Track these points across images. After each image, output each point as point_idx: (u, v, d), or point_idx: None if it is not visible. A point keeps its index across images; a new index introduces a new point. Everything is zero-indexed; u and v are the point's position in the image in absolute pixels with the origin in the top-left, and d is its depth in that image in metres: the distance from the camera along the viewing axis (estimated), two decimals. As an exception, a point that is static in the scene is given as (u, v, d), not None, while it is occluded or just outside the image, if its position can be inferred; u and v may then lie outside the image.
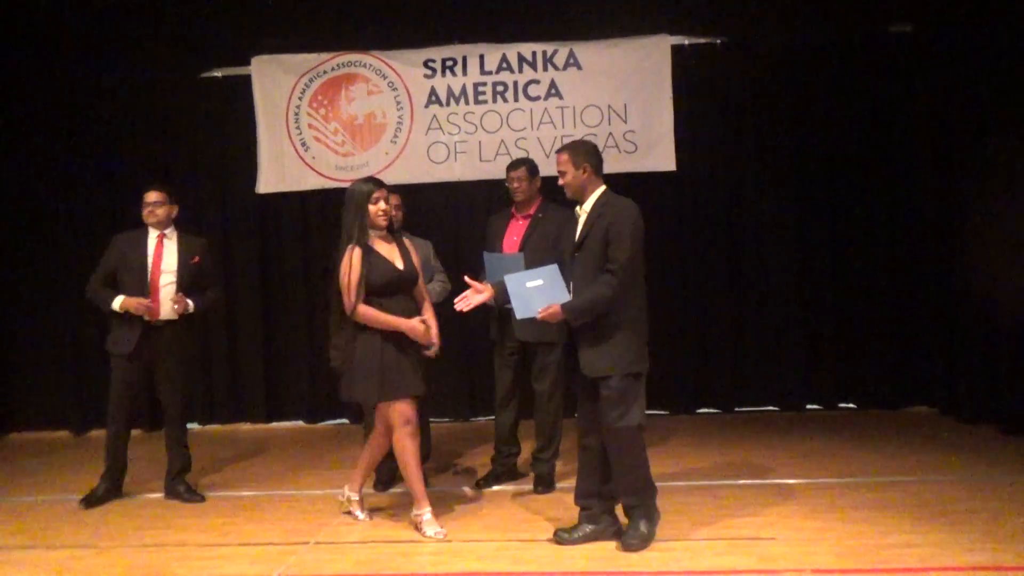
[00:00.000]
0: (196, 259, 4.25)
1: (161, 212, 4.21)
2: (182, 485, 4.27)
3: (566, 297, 3.24)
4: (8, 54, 6.13)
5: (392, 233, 3.68)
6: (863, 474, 4.21)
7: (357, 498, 3.83)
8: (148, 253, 4.17)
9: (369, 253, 3.51)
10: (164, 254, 4.19)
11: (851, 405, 6.01)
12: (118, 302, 4.07)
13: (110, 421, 4.26)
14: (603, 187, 3.36)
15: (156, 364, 4.20)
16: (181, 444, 4.31)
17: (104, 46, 6.12)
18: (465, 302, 3.40)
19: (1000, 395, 5.10)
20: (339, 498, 3.88)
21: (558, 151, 3.44)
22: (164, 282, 4.16)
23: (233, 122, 6.23)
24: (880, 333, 5.91)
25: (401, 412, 3.51)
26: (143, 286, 4.12)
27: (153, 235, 4.21)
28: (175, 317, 4.15)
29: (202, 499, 4.23)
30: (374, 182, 3.61)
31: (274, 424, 6.34)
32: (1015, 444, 4.69)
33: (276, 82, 6.19)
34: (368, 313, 3.47)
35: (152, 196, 4.22)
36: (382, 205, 3.54)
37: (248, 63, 6.18)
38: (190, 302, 4.17)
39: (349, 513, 3.81)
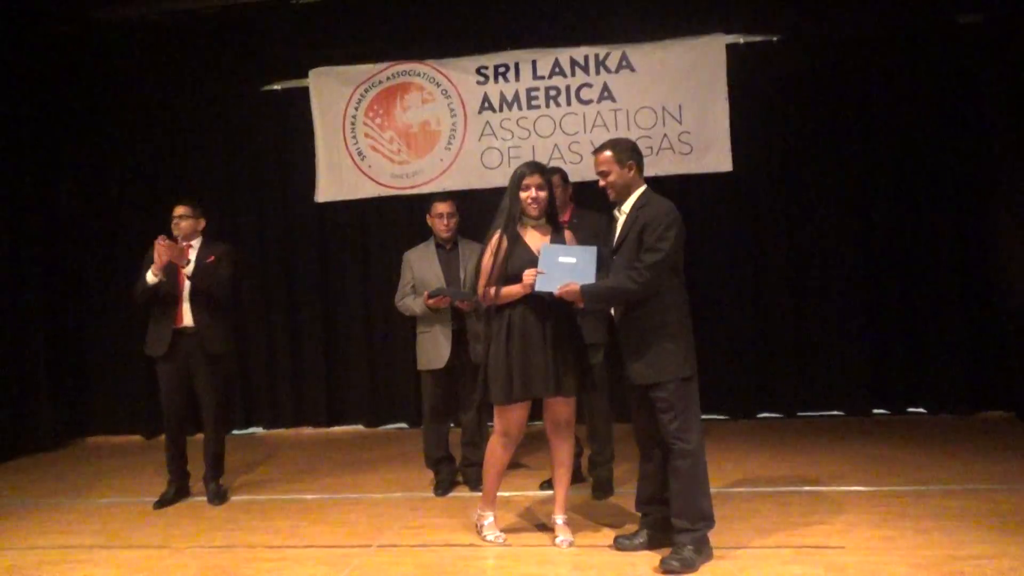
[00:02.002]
0: (212, 258, 4.35)
1: (185, 225, 4.36)
2: (212, 485, 4.41)
3: (591, 281, 3.19)
4: (76, 73, 6.40)
5: (554, 223, 3.46)
6: (935, 482, 4.06)
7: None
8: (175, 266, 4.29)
9: (516, 241, 3.35)
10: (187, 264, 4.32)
11: (921, 410, 5.81)
12: (149, 276, 4.20)
13: (165, 427, 4.44)
14: (644, 187, 3.29)
15: (191, 367, 4.34)
16: (213, 449, 4.42)
17: (169, 63, 6.35)
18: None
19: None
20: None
21: (597, 150, 3.31)
22: (187, 288, 4.30)
23: (293, 133, 6.39)
24: (951, 334, 5.70)
25: (503, 417, 3.39)
26: (173, 293, 4.27)
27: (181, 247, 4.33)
28: (191, 324, 4.27)
29: (223, 501, 4.34)
30: (529, 166, 3.41)
31: (335, 428, 6.46)
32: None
33: (333, 93, 6.33)
34: (489, 293, 3.31)
35: (179, 210, 4.39)
36: (532, 192, 3.33)
37: (306, 75, 6.33)
38: (190, 259, 4.25)
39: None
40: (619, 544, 3.32)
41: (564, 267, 3.21)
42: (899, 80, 5.76)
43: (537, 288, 3.22)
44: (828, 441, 5.11)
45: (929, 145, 5.73)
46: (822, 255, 5.90)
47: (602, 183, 3.29)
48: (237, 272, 4.49)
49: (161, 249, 4.15)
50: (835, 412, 5.89)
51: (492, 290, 3.31)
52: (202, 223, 4.46)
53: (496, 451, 3.46)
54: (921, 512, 3.59)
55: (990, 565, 2.94)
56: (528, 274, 3.24)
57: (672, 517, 3.13)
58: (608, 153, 3.26)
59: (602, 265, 3.26)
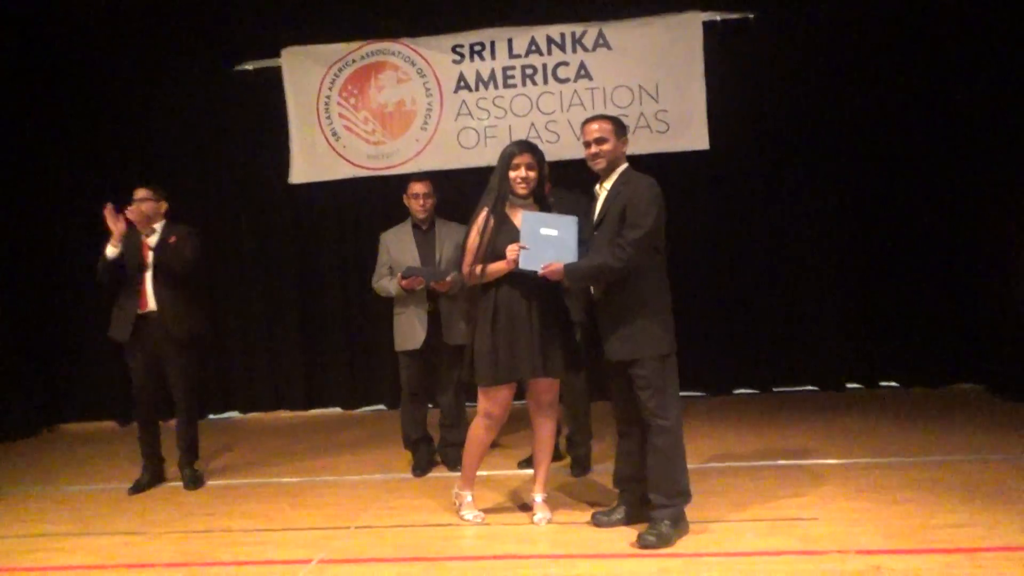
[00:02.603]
0: (172, 239, 4.26)
1: (147, 208, 4.25)
2: (187, 471, 4.37)
3: (573, 257, 3.18)
4: (42, 51, 6.24)
5: (542, 203, 3.41)
6: (908, 454, 4.12)
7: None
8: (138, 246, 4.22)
9: (503, 221, 3.30)
10: (148, 250, 4.24)
11: (893, 383, 5.90)
12: (109, 249, 4.12)
13: (137, 413, 4.39)
14: (627, 164, 3.28)
15: (159, 352, 4.27)
16: (186, 434, 4.37)
17: (137, 42, 6.21)
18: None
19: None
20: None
21: (593, 118, 3.29)
22: (149, 274, 4.22)
23: (265, 114, 6.29)
24: (922, 309, 5.78)
25: (487, 398, 3.35)
26: (135, 278, 4.20)
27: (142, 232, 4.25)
28: (154, 308, 4.19)
29: (198, 486, 4.31)
30: (519, 145, 3.37)
31: (313, 411, 6.43)
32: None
33: (306, 73, 6.23)
34: (475, 270, 3.27)
35: (139, 192, 4.29)
36: (522, 172, 3.30)
37: (278, 55, 6.23)
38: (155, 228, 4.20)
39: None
40: (597, 520, 3.33)
41: (546, 241, 3.19)
42: (875, 57, 5.78)
43: (521, 266, 3.19)
44: (803, 416, 5.17)
45: (905, 122, 5.76)
46: (797, 233, 5.94)
47: (594, 150, 3.22)
48: (201, 251, 4.38)
49: (109, 215, 4.06)
50: (810, 387, 5.97)
51: (478, 268, 3.27)
52: (164, 206, 4.35)
53: (479, 432, 3.43)
54: (894, 483, 3.64)
55: (961, 534, 2.99)
56: (511, 249, 3.21)
57: (649, 493, 3.14)
58: (608, 124, 3.24)
59: (582, 239, 3.24)
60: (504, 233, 3.28)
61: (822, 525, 3.17)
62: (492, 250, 3.27)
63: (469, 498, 3.55)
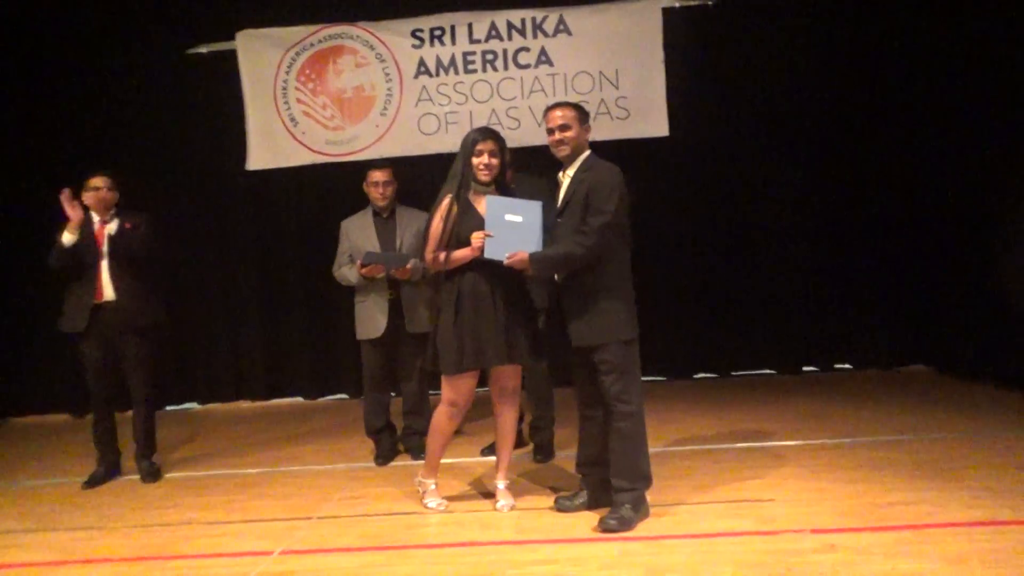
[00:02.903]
0: (130, 225, 4.15)
1: (109, 197, 4.15)
2: (144, 463, 4.29)
3: (537, 245, 3.18)
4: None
5: (504, 190, 3.39)
6: (861, 434, 4.24)
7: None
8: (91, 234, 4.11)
9: (467, 209, 3.28)
10: (104, 238, 4.13)
11: (847, 366, 6.05)
12: (65, 236, 4.02)
13: (92, 405, 4.29)
14: (590, 151, 3.29)
15: (117, 343, 4.17)
16: (143, 426, 4.29)
17: (86, 25, 6.03)
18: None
19: (997, 352, 5.12)
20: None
21: (557, 105, 3.30)
22: (107, 261, 4.12)
23: (221, 99, 6.16)
24: (875, 294, 5.94)
25: (451, 387, 3.34)
26: (90, 267, 4.09)
27: (96, 220, 4.14)
28: (113, 297, 4.08)
29: (156, 479, 4.24)
30: (481, 131, 3.36)
31: (274, 401, 6.36)
32: (1012, 400, 4.73)
33: (262, 57, 6.10)
34: (438, 257, 3.25)
35: (98, 180, 4.13)
36: (485, 158, 3.28)
37: (233, 38, 6.08)
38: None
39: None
40: (560, 505, 3.37)
41: (511, 227, 3.18)
42: (831, 44, 5.87)
43: (486, 255, 3.18)
44: (762, 399, 5.29)
45: (860, 108, 5.87)
46: (755, 220, 6.03)
47: (558, 137, 3.23)
48: (159, 237, 4.29)
49: (66, 201, 3.96)
50: (768, 371, 6.09)
51: (442, 255, 3.26)
52: (116, 196, 4.23)
53: (442, 421, 3.42)
54: (848, 463, 3.74)
55: (911, 511, 3.09)
56: (476, 236, 3.20)
57: (611, 477, 3.18)
58: (572, 111, 3.25)
59: (546, 224, 3.23)
60: (467, 220, 3.27)
61: (779, 506, 3.24)
62: (456, 237, 3.26)
63: (433, 486, 3.54)
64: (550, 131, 3.27)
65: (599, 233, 3.10)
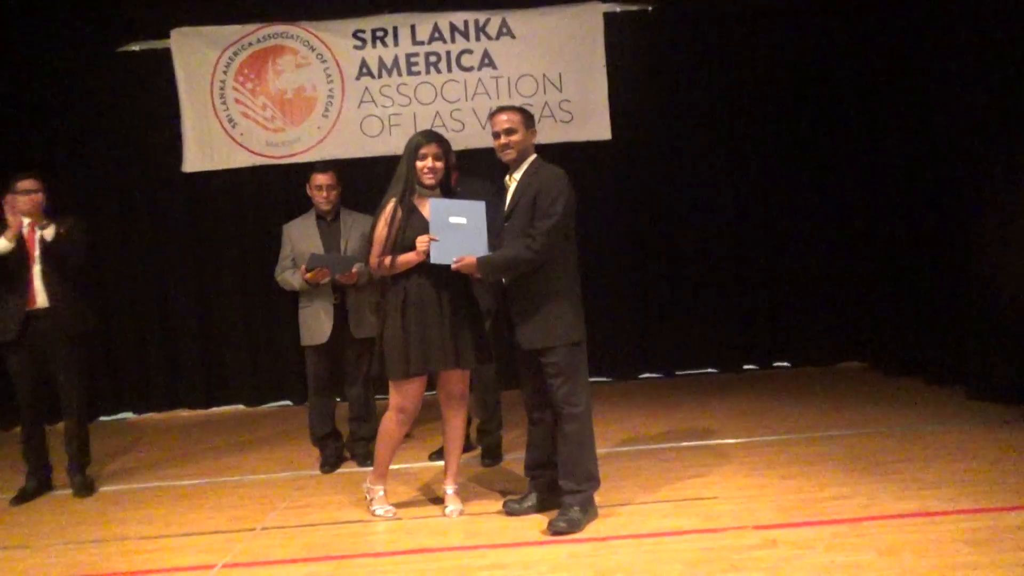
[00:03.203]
0: (63, 230, 3.99)
1: (39, 199, 3.97)
2: (77, 477, 4.13)
3: (484, 247, 3.18)
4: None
5: (448, 193, 3.37)
6: (799, 430, 4.36)
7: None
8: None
9: (412, 212, 3.25)
10: (35, 244, 3.97)
11: (786, 364, 6.22)
12: (1, 243, 3.84)
13: (21, 418, 4.11)
14: (535, 155, 3.29)
15: (48, 352, 4.02)
16: (77, 437, 4.13)
17: (13, 20, 5.76)
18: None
19: (924, 348, 5.34)
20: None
21: (502, 109, 3.30)
22: (37, 272, 3.97)
23: (155, 99, 5.98)
24: (811, 293, 6.13)
25: (399, 392, 3.30)
26: (20, 271, 3.93)
27: (26, 223, 3.95)
28: (46, 304, 3.95)
29: (90, 493, 4.09)
30: (425, 135, 3.32)
31: (214, 409, 6.21)
32: (939, 394, 4.93)
33: (198, 56, 5.95)
34: (384, 262, 3.22)
35: (28, 183, 3.94)
36: (429, 162, 3.26)
37: (168, 36, 5.91)
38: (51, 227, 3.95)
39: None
40: (509, 508, 3.37)
41: (456, 230, 3.16)
42: (768, 48, 6.03)
43: (432, 259, 3.16)
44: (704, 398, 5.39)
45: (793, 111, 6.05)
46: (695, 223, 6.16)
47: (504, 141, 3.23)
48: (90, 242, 4.15)
49: (9, 208, 3.81)
50: (710, 370, 6.22)
51: (388, 259, 3.22)
52: (45, 198, 4.05)
53: (390, 427, 3.37)
54: (787, 459, 3.84)
55: (848, 503, 3.19)
56: (422, 240, 3.18)
57: (560, 479, 3.19)
58: (516, 115, 3.25)
59: (490, 226, 3.23)
60: (413, 224, 3.25)
61: (722, 503, 3.31)
62: (401, 241, 3.23)
63: (381, 492, 3.50)
64: (496, 135, 3.27)
65: (547, 236, 3.11)
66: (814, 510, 3.15)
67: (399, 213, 3.25)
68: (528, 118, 3.29)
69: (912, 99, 5.28)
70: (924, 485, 3.32)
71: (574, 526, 3.11)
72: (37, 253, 3.97)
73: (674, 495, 3.46)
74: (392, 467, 3.66)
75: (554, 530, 3.10)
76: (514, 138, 3.23)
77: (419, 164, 3.28)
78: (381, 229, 3.26)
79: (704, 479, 3.65)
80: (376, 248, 3.27)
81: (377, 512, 3.45)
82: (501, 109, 3.32)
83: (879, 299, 5.81)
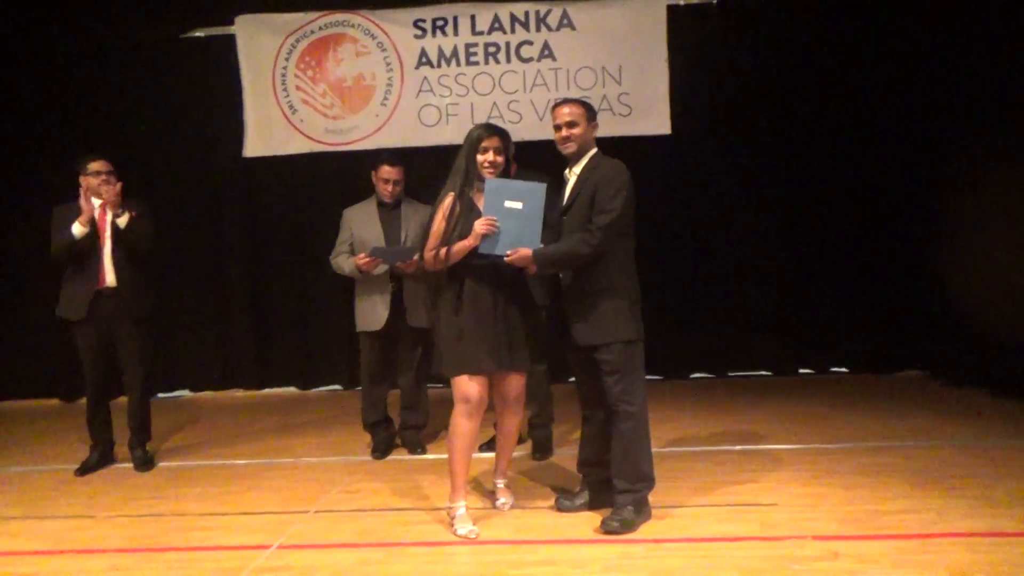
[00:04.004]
0: (133, 213, 4.10)
1: (111, 180, 4.09)
2: (138, 451, 4.25)
3: (537, 237, 3.07)
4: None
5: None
6: (858, 439, 4.23)
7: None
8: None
9: (470, 207, 3.14)
10: (106, 224, 4.10)
11: (843, 369, 6.06)
12: (76, 228, 3.99)
13: (87, 393, 4.23)
14: (596, 149, 3.26)
15: (113, 331, 4.13)
16: (138, 414, 4.25)
17: (82, 7, 5.90)
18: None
19: (990, 358, 5.14)
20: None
21: (565, 101, 3.25)
22: (107, 249, 4.09)
23: (218, 84, 6.08)
24: (870, 297, 5.94)
25: (459, 386, 3.14)
26: (91, 253, 4.06)
27: (96, 204, 4.09)
28: (113, 284, 4.08)
29: (149, 468, 4.22)
30: (487, 128, 3.23)
31: (267, 390, 6.31)
32: (1005, 407, 4.74)
33: (261, 43, 6.03)
34: (438, 254, 3.10)
35: (99, 164, 4.09)
36: (490, 156, 3.16)
37: (231, 23, 6.00)
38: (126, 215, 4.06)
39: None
40: (560, 505, 3.34)
41: (510, 216, 3.05)
42: (833, 45, 5.85)
43: (482, 250, 3.09)
44: (758, 400, 5.28)
45: (859, 110, 5.86)
46: (756, 220, 6.02)
47: (564, 134, 3.19)
48: (156, 226, 4.26)
49: (106, 192, 3.95)
50: (764, 372, 6.09)
51: (442, 251, 3.11)
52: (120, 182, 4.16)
53: (460, 423, 3.14)
54: (846, 468, 3.73)
55: (914, 518, 3.08)
56: (480, 223, 3.06)
57: (613, 478, 3.15)
58: (578, 108, 3.21)
59: (546, 215, 3.16)
60: (471, 220, 3.13)
61: (779, 511, 3.23)
62: (458, 236, 3.12)
63: (462, 510, 3.19)
64: (557, 127, 3.22)
65: (604, 231, 3.06)
66: (878, 523, 3.05)
67: (458, 208, 3.16)
68: (590, 112, 3.25)
69: (987, 97, 5.08)
70: (994, 503, 3.19)
71: (628, 526, 3.07)
72: (108, 234, 4.08)
73: (729, 499, 3.40)
74: (440, 457, 3.63)
75: (607, 529, 3.07)
76: (575, 131, 3.18)
77: (480, 158, 3.19)
78: (439, 223, 3.17)
79: (759, 484, 3.57)
80: (431, 242, 3.17)
81: (459, 532, 3.13)
82: (563, 102, 3.27)
83: (941, 305, 5.61)
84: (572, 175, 3.24)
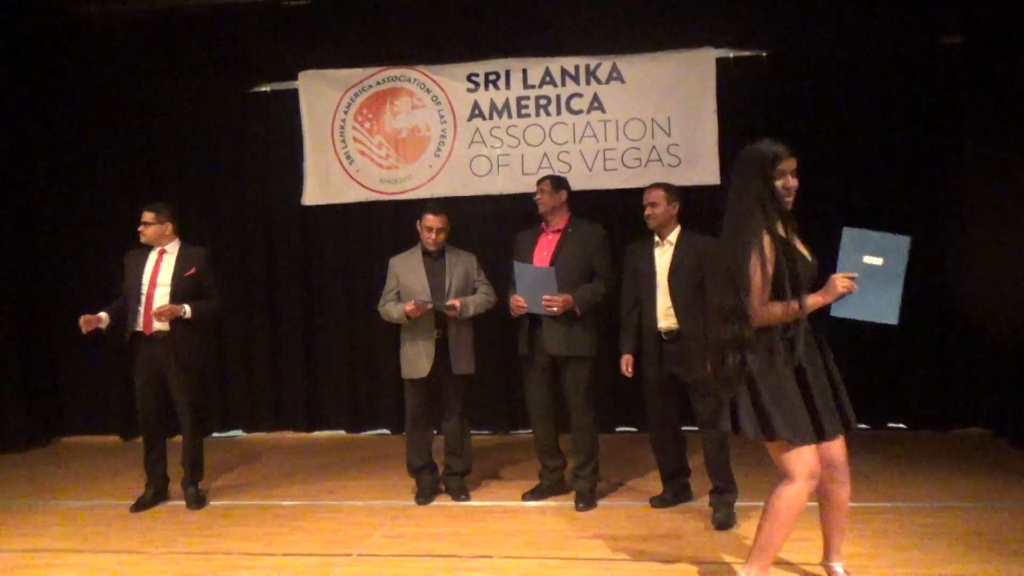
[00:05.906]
0: (192, 271, 4.34)
1: (151, 232, 4.34)
2: (190, 490, 4.39)
3: (896, 302, 2.82)
4: (59, 71, 6.31)
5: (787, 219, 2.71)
6: (914, 499, 4.09)
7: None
8: (145, 268, 4.34)
9: (786, 244, 2.63)
10: (161, 269, 4.33)
11: (900, 425, 5.86)
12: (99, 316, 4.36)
13: (141, 428, 4.42)
14: (680, 226, 3.96)
15: (165, 373, 4.32)
16: (190, 455, 4.40)
17: (154, 63, 6.26)
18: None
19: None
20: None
21: (653, 186, 3.95)
22: (159, 295, 4.28)
23: (278, 135, 6.34)
24: (930, 351, 5.75)
25: (808, 462, 2.70)
26: (139, 299, 4.29)
27: (155, 251, 4.37)
28: (166, 328, 4.27)
29: (201, 506, 4.35)
30: (784, 146, 2.73)
31: (316, 433, 6.41)
32: (1075, 470, 4.51)
33: (322, 96, 6.29)
34: (775, 310, 2.61)
35: (145, 215, 4.38)
36: (788, 180, 2.68)
37: (294, 78, 6.30)
38: (185, 307, 4.25)
39: None
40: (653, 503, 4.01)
41: (869, 273, 2.74)
42: (882, 99, 5.80)
43: (835, 312, 2.69)
44: (809, 455, 5.12)
45: (909, 162, 5.78)
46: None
47: (648, 212, 3.90)
48: (218, 279, 4.50)
49: (84, 324, 4.29)
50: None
51: (795, 304, 2.62)
52: (170, 227, 4.40)
53: (800, 501, 2.68)
54: (899, 529, 3.61)
55: (967, 585, 2.96)
56: (842, 280, 2.67)
57: (711, 477, 3.87)
58: (662, 192, 3.92)
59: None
60: (797, 260, 2.64)
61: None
62: (781, 283, 2.59)
63: None
64: (643, 206, 3.94)
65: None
66: (929, 587, 2.94)
67: (769, 245, 2.58)
68: (671, 193, 3.93)
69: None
70: (1057, 571, 3.04)
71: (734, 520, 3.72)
72: (160, 279, 4.30)
73: (776, 556, 3.29)
74: (484, 503, 3.64)
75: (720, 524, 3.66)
76: (655, 211, 3.91)
77: (779, 183, 2.67)
78: (757, 276, 2.58)
79: (809, 543, 3.44)
80: (757, 296, 2.61)
81: None
82: (653, 186, 3.96)
83: (1007, 360, 5.40)
84: (667, 243, 3.93)
